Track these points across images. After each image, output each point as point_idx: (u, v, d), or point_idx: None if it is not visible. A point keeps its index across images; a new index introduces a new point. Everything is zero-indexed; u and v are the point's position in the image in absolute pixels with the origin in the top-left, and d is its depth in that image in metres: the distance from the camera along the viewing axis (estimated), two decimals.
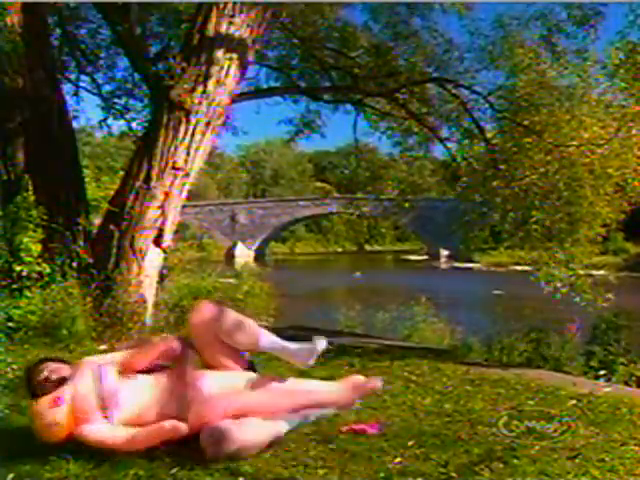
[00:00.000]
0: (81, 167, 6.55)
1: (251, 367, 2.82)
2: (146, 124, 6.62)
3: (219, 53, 5.69)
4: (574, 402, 3.36)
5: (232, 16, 5.70)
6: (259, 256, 44.09)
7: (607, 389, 3.98)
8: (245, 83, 7.69)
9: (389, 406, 3.22)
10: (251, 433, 2.46)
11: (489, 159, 7.58)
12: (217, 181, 57.49)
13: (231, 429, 2.41)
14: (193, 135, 5.65)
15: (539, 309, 11.27)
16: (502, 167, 7.24)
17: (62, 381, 2.57)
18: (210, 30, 5.67)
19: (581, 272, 6.79)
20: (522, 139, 7.05)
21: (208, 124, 5.74)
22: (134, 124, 8.68)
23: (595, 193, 6.61)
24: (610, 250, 31.78)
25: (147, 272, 5.52)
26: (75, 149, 6.34)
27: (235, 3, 5.70)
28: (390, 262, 46.77)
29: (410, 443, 2.60)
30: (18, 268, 5.19)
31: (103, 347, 4.52)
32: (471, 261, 33.05)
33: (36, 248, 5.36)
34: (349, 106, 9.64)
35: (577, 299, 6.62)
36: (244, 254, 42.81)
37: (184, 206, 6.08)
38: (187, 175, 5.71)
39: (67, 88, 8.28)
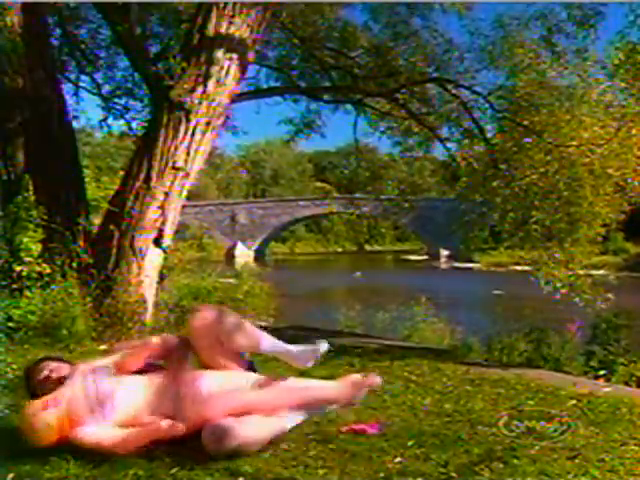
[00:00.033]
0: (81, 167, 6.54)
1: (251, 367, 2.82)
2: (146, 124, 6.62)
3: (219, 53, 5.68)
4: (574, 402, 3.36)
5: (232, 16, 5.70)
6: (259, 256, 44.09)
7: (607, 389, 3.98)
8: (245, 83, 7.70)
9: (389, 406, 3.22)
10: (253, 430, 2.47)
11: (489, 159, 7.58)
12: (217, 181, 57.50)
13: (233, 426, 2.42)
14: (193, 135, 5.65)
15: (539, 309, 11.26)
16: (502, 167, 7.24)
17: (62, 380, 2.57)
18: (210, 30, 5.67)
19: (581, 272, 6.80)
20: (522, 139, 7.05)
21: (208, 124, 5.74)
22: (134, 124, 8.70)
23: (595, 193, 6.62)
24: (610, 250, 31.77)
25: (147, 272, 5.52)
26: (75, 149, 6.34)
27: (235, 3, 5.70)
28: (390, 262, 46.77)
29: (410, 443, 2.60)
30: (18, 268, 5.19)
31: (103, 347, 4.52)
32: (471, 261, 33.05)
33: (36, 248, 5.35)
34: (349, 106, 9.65)
35: (576, 299, 6.63)
36: (244, 254, 42.82)
37: (184, 206, 6.08)
38: (187, 175, 5.71)
39: (67, 88, 8.29)
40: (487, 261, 32.07)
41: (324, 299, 20.78)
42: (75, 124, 8.09)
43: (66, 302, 4.96)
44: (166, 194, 5.57)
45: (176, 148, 5.59)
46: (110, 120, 9.00)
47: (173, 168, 5.59)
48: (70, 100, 8.23)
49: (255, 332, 2.77)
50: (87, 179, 6.67)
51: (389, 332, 8.88)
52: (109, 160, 11.55)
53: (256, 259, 41.25)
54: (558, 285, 6.69)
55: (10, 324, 4.70)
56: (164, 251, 5.71)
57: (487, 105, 7.77)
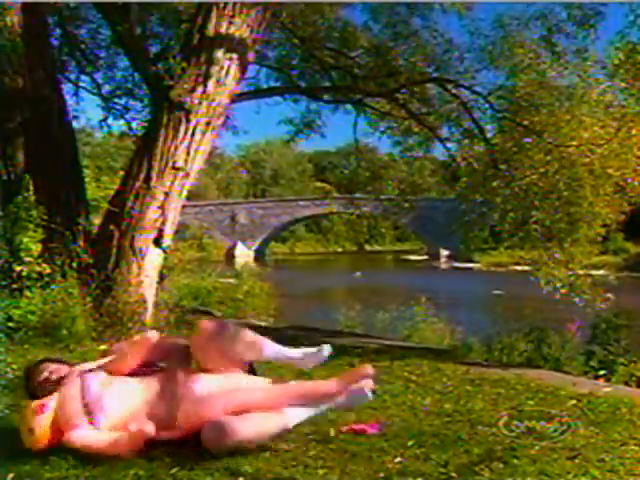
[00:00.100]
0: (81, 167, 6.54)
1: (251, 370, 2.82)
2: (146, 124, 6.62)
3: (219, 53, 5.68)
4: (574, 402, 3.37)
5: (232, 16, 5.70)
6: (259, 256, 44.08)
7: (607, 389, 3.98)
8: (245, 83, 7.70)
9: (389, 406, 3.23)
10: (253, 426, 2.48)
11: (489, 159, 7.59)
12: (217, 181, 57.50)
13: (233, 422, 2.43)
14: (193, 135, 5.64)
15: (539, 309, 11.26)
16: (502, 167, 7.24)
17: (62, 382, 2.57)
18: (210, 30, 5.67)
19: (581, 272, 6.80)
20: (522, 139, 7.06)
21: (208, 124, 5.74)
22: (134, 124, 8.70)
23: (595, 193, 6.63)
24: (610, 250, 31.77)
25: (147, 272, 5.52)
26: (75, 149, 6.34)
27: (235, 3, 5.70)
28: (390, 262, 46.75)
29: (410, 443, 2.60)
30: (18, 268, 5.18)
31: (103, 347, 4.52)
32: (471, 261, 33.03)
33: (36, 248, 5.35)
34: (349, 106, 9.65)
35: (576, 299, 6.63)
36: (244, 254, 42.81)
37: (184, 206, 6.08)
38: (187, 175, 5.71)
39: (67, 88, 8.29)
40: (487, 261, 32.06)
41: (324, 299, 20.77)
42: (75, 124, 8.11)
43: (66, 302, 4.96)
44: (166, 194, 5.57)
45: (176, 148, 5.59)
46: (110, 120, 9.01)
47: (173, 168, 5.58)
48: (70, 100, 8.25)
49: (257, 340, 2.76)
50: (87, 179, 6.67)
51: (389, 332, 8.88)
52: (109, 160, 11.57)
53: (256, 259, 41.24)
54: (558, 285, 6.70)
55: (10, 324, 4.70)
56: (164, 251, 5.70)
57: (487, 105, 7.78)
